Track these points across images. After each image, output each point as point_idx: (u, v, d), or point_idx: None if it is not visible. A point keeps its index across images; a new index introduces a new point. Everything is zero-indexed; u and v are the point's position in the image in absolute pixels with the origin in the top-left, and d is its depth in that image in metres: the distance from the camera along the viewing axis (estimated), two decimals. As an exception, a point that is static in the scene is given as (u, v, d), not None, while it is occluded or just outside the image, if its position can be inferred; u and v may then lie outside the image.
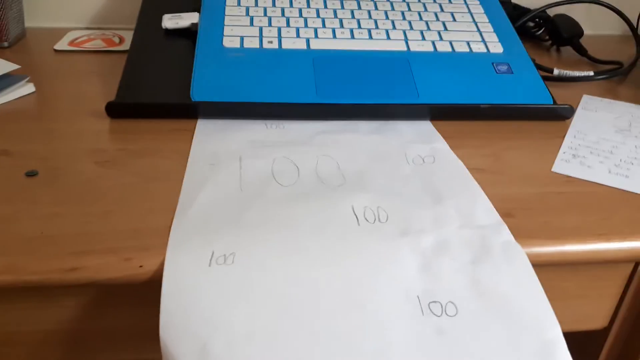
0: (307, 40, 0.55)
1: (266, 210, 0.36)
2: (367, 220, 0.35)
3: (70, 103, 0.52)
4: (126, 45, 0.67)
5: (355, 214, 0.36)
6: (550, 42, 0.76)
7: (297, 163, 0.41)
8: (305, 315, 0.30)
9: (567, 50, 0.74)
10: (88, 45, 0.67)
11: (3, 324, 0.35)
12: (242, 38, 0.55)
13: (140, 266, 0.33)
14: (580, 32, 0.72)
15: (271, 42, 0.55)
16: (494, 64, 0.55)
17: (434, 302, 0.31)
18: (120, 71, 0.53)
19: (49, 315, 0.35)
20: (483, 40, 0.58)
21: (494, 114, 0.51)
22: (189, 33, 0.58)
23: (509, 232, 0.35)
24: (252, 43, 0.54)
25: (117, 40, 0.69)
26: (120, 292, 0.35)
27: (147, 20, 0.60)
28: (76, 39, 0.69)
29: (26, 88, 0.54)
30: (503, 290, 0.31)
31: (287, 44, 0.55)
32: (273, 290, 0.31)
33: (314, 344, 0.29)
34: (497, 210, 0.37)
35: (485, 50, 0.57)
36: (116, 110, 0.49)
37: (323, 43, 0.55)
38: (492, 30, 0.60)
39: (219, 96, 0.49)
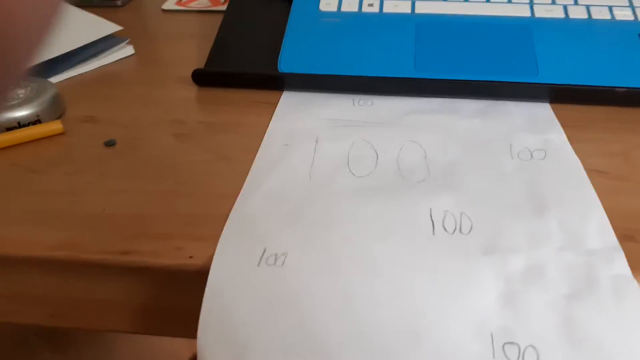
0: (413, 3, 0.49)
1: (331, 207, 0.32)
2: (445, 230, 0.30)
3: (165, 67, 0.52)
4: (230, 5, 0.65)
5: (432, 220, 0.30)
6: None
7: (377, 149, 0.37)
8: (353, 335, 0.26)
9: None
10: (194, 5, 0.66)
11: (71, 291, 0.35)
12: (340, 0, 0.50)
13: (190, 257, 0.31)
14: None
15: (372, 4, 0.49)
16: (642, 36, 0.45)
17: (511, 343, 0.25)
18: (216, 34, 0.51)
19: (111, 288, 0.35)
20: (631, 5, 0.48)
21: (632, 100, 0.41)
22: (288, -5, 0.54)
23: (625, 262, 0.28)
24: (350, 6, 0.49)
25: (223, -1, 0.67)
26: (175, 276, 0.34)
27: (248, -21, 0.57)
28: (185, -3, 0.68)
29: (126, 50, 0.54)
30: (603, 339, 0.25)
31: (389, 7, 0.49)
32: (321, 301, 0.27)
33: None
34: (614, 230, 0.30)
35: (632, 18, 0.47)
36: (202, 78, 0.47)
37: (431, 6, 0.49)
38: (647, -9, 0.49)
39: (307, 67, 0.45)
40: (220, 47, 0.49)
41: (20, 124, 0.41)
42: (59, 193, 0.35)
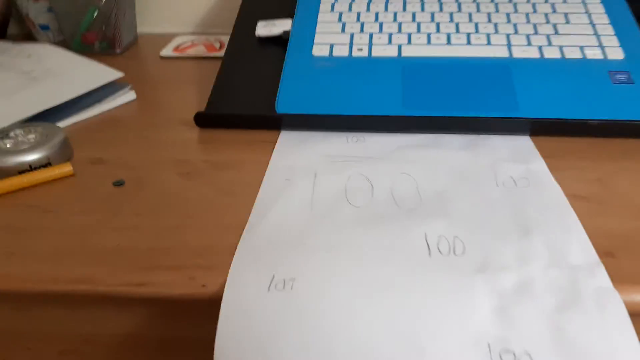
0: (399, 47, 0.53)
1: (333, 234, 0.34)
2: (440, 252, 0.32)
3: (166, 111, 0.54)
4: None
5: (427, 243, 0.33)
6: (687, 42, 0.66)
7: (372, 181, 0.39)
8: (360, 352, 0.28)
9: None
10: (191, 51, 0.69)
11: (83, 326, 0.37)
12: (332, 46, 0.53)
13: (203, 285, 0.33)
14: None
15: (361, 49, 0.53)
16: (611, 73, 0.49)
17: (507, 351, 0.27)
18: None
19: (124, 321, 0.37)
20: (600, 45, 0.52)
21: (605, 131, 0.45)
22: (282, 41, 0.57)
23: (606, 275, 0.30)
24: (341, 51, 0.53)
25: (217, 45, 0.71)
26: (189, 306, 0.35)
27: (243, 26, 0.61)
28: (181, 44, 0.72)
29: (128, 95, 0.57)
30: (590, 346, 0.27)
31: (377, 52, 0.52)
32: (329, 322, 0.29)
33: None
34: (595, 247, 0.32)
35: (601, 57, 0.51)
36: (204, 120, 0.49)
37: (416, 50, 0.52)
38: (613, 32, 0.53)
39: (303, 108, 0.48)
40: (219, 91, 0.52)
41: (31, 167, 0.43)
42: (74, 231, 0.37)
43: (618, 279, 0.30)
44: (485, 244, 0.33)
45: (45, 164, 0.44)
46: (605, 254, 0.32)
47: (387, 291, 0.30)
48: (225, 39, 0.73)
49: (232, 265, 0.32)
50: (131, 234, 0.36)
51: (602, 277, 0.30)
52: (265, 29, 0.59)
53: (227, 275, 0.32)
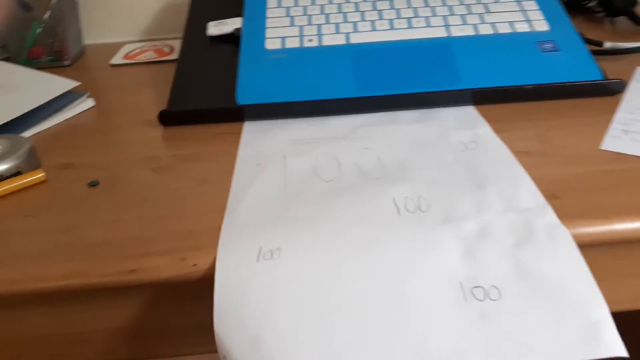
0: (347, 35, 0.56)
1: (309, 206, 0.37)
2: (408, 210, 0.36)
3: (126, 114, 0.55)
4: (176, 54, 0.70)
5: (396, 205, 0.36)
6: (603, 13, 0.72)
7: (338, 158, 0.42)
8: (348, 304, 0.31)
9: (622, 21, 0.71)
10: (141, 57, 0.71)
11: (73, 325, 0.38)
12: (283, 39, 0.56)
13: (194, 265, 0.35)
14: (634, 1, 0.68)
15: (311, 40, 0.56)
16: (539, 43, 0.54)
17: (477, 287, 0.31)
18: (171, 80, 0.55)
19: (115, 314, 0.38)
20: (527, 19, 0.57)
21: (538, 94, 0.50)
22: (234, 38, 0.60)
23: (554, 213, 0.34)
24: (293, 43, 0.56)
25: (167, 50, 0.72)
26: (179, 290, 0.37)
27: (193, 28, 0.63)
28: (130, 52, 0.73)
29: (87, 103, 0.57)
30: (547, 273, 0.31)
31: (327, 41, 0.56)
32: (317, 281, 0.32)
33: (357, 330, 0.30)
34: (542, 192, 0.37)
35: (529, 29, 0.56)
36: (168, 118, 0.51)
37: (363, 36, 0.56)
38: (538, 7, 0.58)
39: (262, 98, 0.50)
40: (179, 89, 0.54)
41: (2, 177, 0.44)
42: (57, 231, 0.38)
43: (564, 215, 0.34)
44: (447, 199, 0.36)
45: (15, 173, 0.44)
46: (551, 196, 0.36)
47: (366, 248, 0.33)
48: (174, 43, 0.75)
49: (219, 242, 0.35)
50: (115, 228, 0.38)
51: (551, 216, 0.34)
52: (216, 28, 0.61)
53: (215, 253, 0.34)
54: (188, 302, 0.38)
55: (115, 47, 0.75)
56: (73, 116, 0.56)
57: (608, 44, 0.59)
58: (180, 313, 0.39)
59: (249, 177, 0.41)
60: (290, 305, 0.31)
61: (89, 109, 0.57)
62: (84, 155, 0.48)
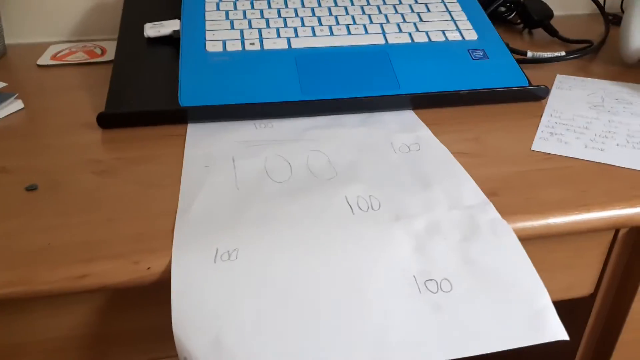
0: (288, 40, 0.57)
1: (263, 207, 0.37)
2: (361, 209, 0.37)
3: (60, 117, 0.53)
4: (109, 56, 0.68)
5: (349, 204, 0.37)
6: (522, 25, 0.78)
7: (288, 160, 0.43)
8: (308, 302, 0.31)
9: (539, 32, 0.76)
10: (71, 58, 0.68)
11: (16, 335, 0.36)
12: (224, 42, 0.56)
13: (148, 268, 0.34)
14: (550, 14, 0.74)
15: (253, 43, 0.56)
16: (470, 51, 0.57)
17: (430, 280, 0.33)
18: (105, 82, 0.54)
19: (61, 322, 0.37)
20: (458, 29, 0.60)
21: (473, 99, 0.53)
22: (172, 40, 0.59)
23: (495, 210, 0.37)
24: (234, 46, 0.56)
25: (99, 51, 0.70)
26: (129, 294, 0.36)
27: (129, 29, 0.61)
28: (58, 52, 0.70)
29: (15, 105, 0.54)
30: (493, 265, 0.33)
31: (268, 45, 0.56)
32: (276, 280, 0.32)
33: (317, 328, 0.31)
34: (482, 190, 0.39)
35: (460, 38, 0.59)
36: (107, 120, 0.50)
37: (304, 41, 0.57)
38: (466, 18, 0.62)
39: (206, 100, 0.50)
40: (117, 91, 0.52)
41: None
42: (-4, 237, 0.36)
43: (504, 211, 0.37)
44: (396, 198, 0.38)
45: (-58, 178, 0.41)
46: (491, 194, 0.39)
47: (323, 247, 0.34)
48: (106, 45, 0.72)
49: (173, 243, 0.34)
50: (60, 233, 0.36)
51: (492, 212, 0.37)
52: (154, 29, 0.60)
53: (170, 256, 0.34)
54: (141, 306, 0.37)
55: (40, 48, 0.72)
56: (0, 118, 0.53)
57: (530, 54, 0.64)
58: (133, 318, 0.38)
59: (199, 180, 0.41)
60: (251, 304, 0.31)
61: (18, 111, 0.54)
62: (17, 159, 0.46)
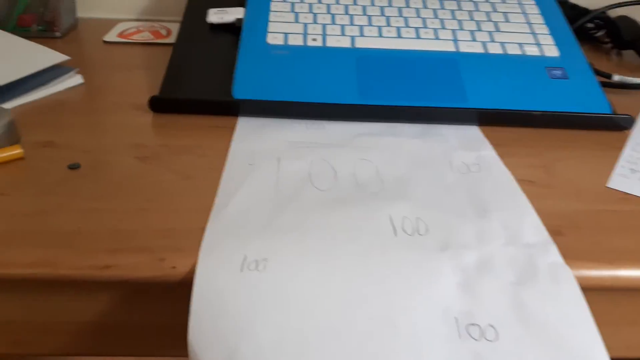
0: (352, 39, 0.54)
1: (300, 215, 0.35)
2: (405, 232, 0.34)
3: (116, 95, 0.53)
4: (173, 38, 0.67)
5: (392, 224, 0.34)
6: (610, 44, 0.72)
7: (334, 166, 0.40)
8: (334, 327, 0.29)
9: (629, 54, 0.70)
10: (136, 37, 0.68)
11: (38, 314, 0.36)
12: (286, 35, 0.54)
13: (173, 267, 0.32)
14: (643, 35, 0.68)
15: (315, 39, 0.54)
16: (548, 68, 0.52)
17: (473, 324, 0.29)
18: (165, 64, 0.53)
19: (84, 308, 0.36)
20: (537, 43, 0.55)
21: (546, 121, 0.48)
22: (234, 29, 0.57)
23: (558, 252, 0.33)
24: (296, 40, 0.53)
25: (164, 32, 0.70)
26: (153, 290, 0.35)
27: (194, 13, 0.60)
28: (125, 30, 0.70)
29: (75, 79, 0.54)
30: (548, 316, 0.29)
31: (331, 42, 0.53)
32: (303, 300, 0.30)
33: (341, 357, 0.28)
34: (545, 227, 0.35)
35: (539, 53, 0.54)
36: (159, 105, 0.49)
37: (368, 41, 0.54)
38: (548, 32, 0.57)
39: (260, 94, 0.48)
40: (173, 75, 0.51)
41: (-24, 150, 0.41)
42: (30, 214, 0.35)
43: (567, 255, 0.33)
44: (447, 224, 0.35)
45: (-10, 147, 0.41)
46: (555, 232, 0.35)
47: (358, 269, 0.31)
48: (172, 26, 0.72)
49: (202, 246, 0.32)
50: (92, 217, 0.35)
51: (554, 254, 0.33)
52: (217, 16, 0.58)
53: (197, 257, 0.32)
54: (163, 304, 0.36)
55: (109, 24, 0.72)
56: (59, 92, 0.53)
57: (616, 77, 0.58)
58: (154, 313, 0.36)
59: (239, 177, 0.39)
60: (273, 321, 0.29)
61: (77, 85, 0.54)
62: (66, 134, 0.45)
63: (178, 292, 0.34)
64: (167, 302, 0.35)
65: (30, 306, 0.35)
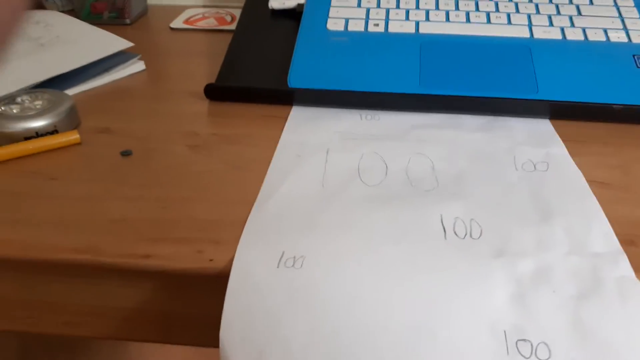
0: (417, 24, 0.51)
1: (344, 213, 0.33)
2: (456, 234, 0.31)
3: (175, 83, 0.53)
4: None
5: (443, 225, 0.32)
6: None
7: (386, 160, 0.38)
8: (369, 334, 0.27)
9: None
10: (201, 24, 0.68)
11: (87, 297, 0.36)
12: (347, 20, 0.52)
13: (211, 260, 0.32)
14: None
15: (377, 24, 0.51)
16: (636, 57, 0.47)
17: (524, 340, 0.26)
18: (225, 51, 0.52)
19: (129, 294, 0.36)
20: (625, 28, 0.50)
21: (629, 116, 0.43)
22: (296, 14, 0.56)
23: (629, 265, 0.29)
24: (357, 26, 0.51)
25: (229, 18, 0.69)
26: (193, 281, 0.35)
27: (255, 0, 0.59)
28: (191, 17, 0.70)
29: (137, 66, 0.55)
30: (612, 337, 0.26)
31: (394, 27, 0.51)
32: (338, 302, 0.28)
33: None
34: (617, 236, 0.31)
35: (626, 40, 0.49)
36: (214, 93, 0.48)
37: (434, 27, 0.51)
38: (638, 16, 0.51)
39: (316, 83, 0.46)
40: (230, 63, 0.51)
41: (37, 134, 0.42)
42: (80, 199, 0.36)
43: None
44: (504, 228, 0.32)
45: (51, 131, 0.43)
46: (628, 242, 0.31)
47: (399, 274, 0.29)
48: (237, 12, 0.71)
49: (240, 240, 0.31)
50: (137, 205, 0.35)
51: (625, 267, 0.29)
52: (279, 1, 0.57)
53: (235, 251, 0.31)
54: (204, 295, 0.35)
55: (178, 10, 0.73)
56: (121, 78, 0.54)
57: None
58: (193, 304, 0.36)
59: (286, 169, 0.38)
60: (304, 323, 0.28)
61: (139, 72, 0.55)
62: (123, 120, 0.46)
63: (216, 284, 0.33)
64: (205, 294, 0.35)
65: (81, 289, 0.36)
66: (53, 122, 0.43)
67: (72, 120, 0.44)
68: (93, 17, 0.68)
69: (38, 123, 0.42)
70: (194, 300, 0.35)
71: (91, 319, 0.37)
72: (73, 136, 0.42)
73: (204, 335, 0.37)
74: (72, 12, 0.69)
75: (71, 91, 0.50)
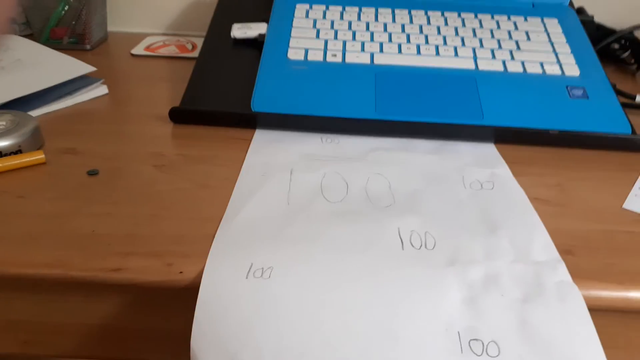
0: (372, 55, 0.54)
1: (309, 226, 0.35)
2: (413, 246, 0.34)
3: (138, 106, 0.54)
4: (198, 53, 0.69)
5: (400, 238, 0.34)
6: (635, 66, 0.71)
7: (347, 179, 0.41)
8: (335, 339, 0.29)
9: (655, 76, 0.69)
10: (162, 51, 0.70)
11: (49, 315, 0.36)
12: (306, 50, 0.55)
13: (181, 272, 0.33)
14: (670, 57, 0.67)
15: (335, 55, 0.54)
16: (568, 88, 0.52)
17: (476, 340, 0.29)
18: (188, 77, 0.54)
19: (95, 309, 0.36)
20: (558, 62, 0.55)
21: (563, 141, 0.48)
22: (257, 44, 0.58)
23: (566, 271, 0.32)
24: (316, 56, 0.54)
25: (190, 46, 0.71)
26: (162, 294, 0.36)
27: (218, 28, 0.62)
28: (152, 44, 0.72)
29: (100, 90, 0.56)
30: (553, 334, 0.29)
31: (350, 58, 0.54)
32: (306, 309, 0.30)
33: (344, 369, 0.28)
34: (556, 246, 0.35)
35: (559, 73, 0.54)
36: (178, 116, 0.50)
37: (387, 58, 0.54)
38: (570, 51, 0.57)
39: (278, 107, 0.49)
40: (194, 87, 0.52)
41: (1, 154, 0.42)
42: (48, 216, 0.37)
43: (577, 274, 0.32)
44: (455, 239, 0.34)
45: (15, 151, 0.43)
46: (565, 252, 0.34)
47: (362, 281, 0.31)
48: (197, 41, 0.74)
49: (210, 252, 0.33)
50: (107, 221, 0.36)
51: (563, 272, 0.32)
52: (241, 31, 0.60)
53: (204, 264, 0.33)
54: (173, 309, 0.36)
55: (138, 38, 0.74)
56: (84, 101, 0.54)
57: (639, 98, 0.57)
58: (162, 318, 0.37)
59: (252, 188, 0.39)
60: (274, 330, 0.29)
61: (102, 96, 0.56)
62: (88, 142, 0.46)
63: (186, 297, 0.34)
64: (175, 308, 0.36)
65: (44, 306, 0.36)
66: (17, 142, 0.43)
67: (36, 140, 0.45)
68: (52, 42, 0.68)
69: (2, 143, 0.42)
70: (163, 315, 0.36)
71: (52, 338, 0.38)
72: (38, 156, 0.43)
73: (171, 350, 0.38)
74: (31, 37, 0.69)
75: (34, 113, 0.50)
